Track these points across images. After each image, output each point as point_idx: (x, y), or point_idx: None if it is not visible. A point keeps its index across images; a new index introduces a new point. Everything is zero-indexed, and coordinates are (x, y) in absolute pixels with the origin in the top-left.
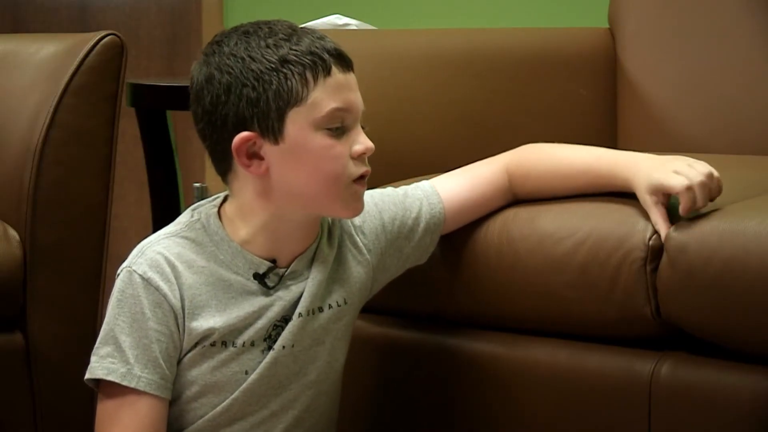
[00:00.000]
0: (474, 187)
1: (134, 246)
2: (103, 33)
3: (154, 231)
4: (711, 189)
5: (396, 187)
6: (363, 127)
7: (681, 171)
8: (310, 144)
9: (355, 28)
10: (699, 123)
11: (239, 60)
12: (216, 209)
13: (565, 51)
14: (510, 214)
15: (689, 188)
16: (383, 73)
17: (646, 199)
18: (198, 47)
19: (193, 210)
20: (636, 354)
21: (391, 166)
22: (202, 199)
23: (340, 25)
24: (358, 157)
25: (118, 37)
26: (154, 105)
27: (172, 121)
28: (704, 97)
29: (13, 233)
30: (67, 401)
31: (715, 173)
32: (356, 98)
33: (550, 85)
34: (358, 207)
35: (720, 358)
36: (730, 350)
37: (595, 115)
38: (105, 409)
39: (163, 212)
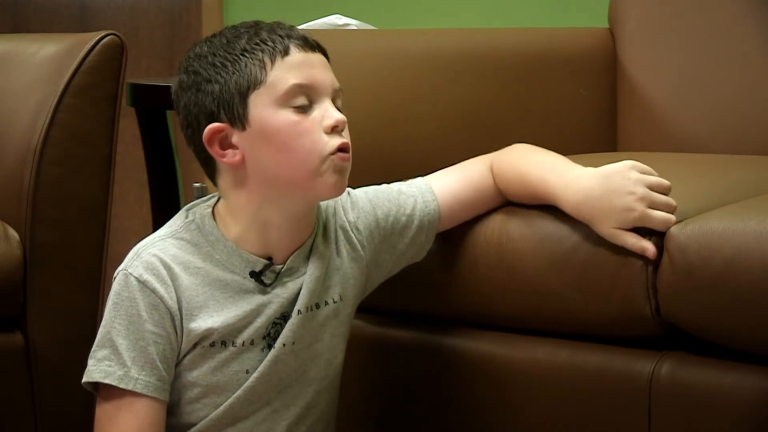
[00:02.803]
0: (468, 184)
1: (134, 246)
2: (103, 33)
3: (154, 231)
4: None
5: (390, 184)
6: (340, 110)
7: (637, 217)
8: (275, 122)
9: (355, 28)
10: (699, 123)
11: (202, 59)
12: (210, 209)
13: (565, 51)
14: (510, 213)
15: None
16: (383, 73)
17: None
18: None
19: (188, 210)
20: (636, 354)
21: (391, 166)
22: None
23: (340, 25)
24: (332, 131)
25: (118, 37)
26: (154, 105)
27: (172, 121)
28: (704, 97)
29: (13, 233)
30: (67, 401)
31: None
32: (322, 75)
33: (550, 85)
34: (339, 182)
35: (720, 358)
36: (730, 350)
37: (595, 115)
38: (103, 411)
39: (163, 212)
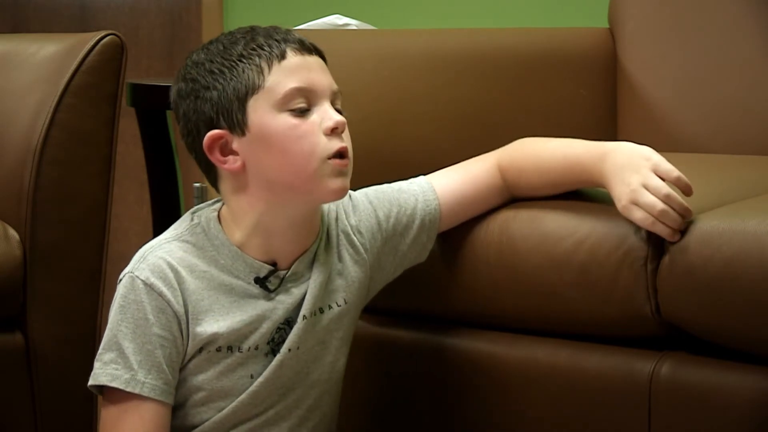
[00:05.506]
0: (469, 183)
1: (134, 246)
2: (103, 33)
3: (154, 231)
4: (673, 210)
5: (392, 183)
6: (340, 111)
7: (646, 197)
8: (274, 127)
9: (355, 28)
10: (699, 123)
11: (199, 66)
12: (216, 213)
13: (565, 51)
14: (510, 213)
15: (653, 224)
16: (383, 73)
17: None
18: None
19: (193, 213)
20: (636, 354)
21: (391, 166)
22: (202, 199)
23: (340, 25)
24: (332, 133)
25: (118, 37)
26: (154, 105)
27: (172, 121)
28: (704, 97)
29: (13, 233)
30: (67, 401)
31: (680, 175)
32: (320, 78)
33: (550, 85)
34: (339, 185)
35: (720, 358)
36: (730, 350)
37: (595, 115)
38: (109, 415)
39: (163, 212)
